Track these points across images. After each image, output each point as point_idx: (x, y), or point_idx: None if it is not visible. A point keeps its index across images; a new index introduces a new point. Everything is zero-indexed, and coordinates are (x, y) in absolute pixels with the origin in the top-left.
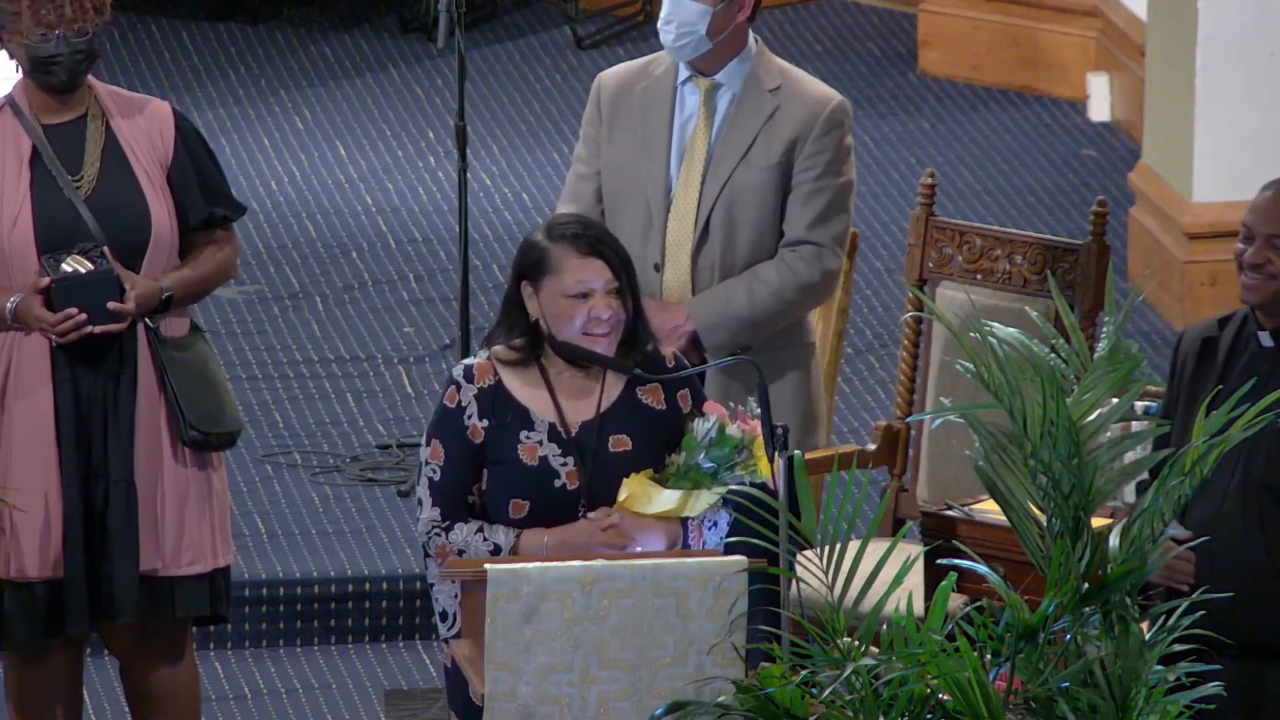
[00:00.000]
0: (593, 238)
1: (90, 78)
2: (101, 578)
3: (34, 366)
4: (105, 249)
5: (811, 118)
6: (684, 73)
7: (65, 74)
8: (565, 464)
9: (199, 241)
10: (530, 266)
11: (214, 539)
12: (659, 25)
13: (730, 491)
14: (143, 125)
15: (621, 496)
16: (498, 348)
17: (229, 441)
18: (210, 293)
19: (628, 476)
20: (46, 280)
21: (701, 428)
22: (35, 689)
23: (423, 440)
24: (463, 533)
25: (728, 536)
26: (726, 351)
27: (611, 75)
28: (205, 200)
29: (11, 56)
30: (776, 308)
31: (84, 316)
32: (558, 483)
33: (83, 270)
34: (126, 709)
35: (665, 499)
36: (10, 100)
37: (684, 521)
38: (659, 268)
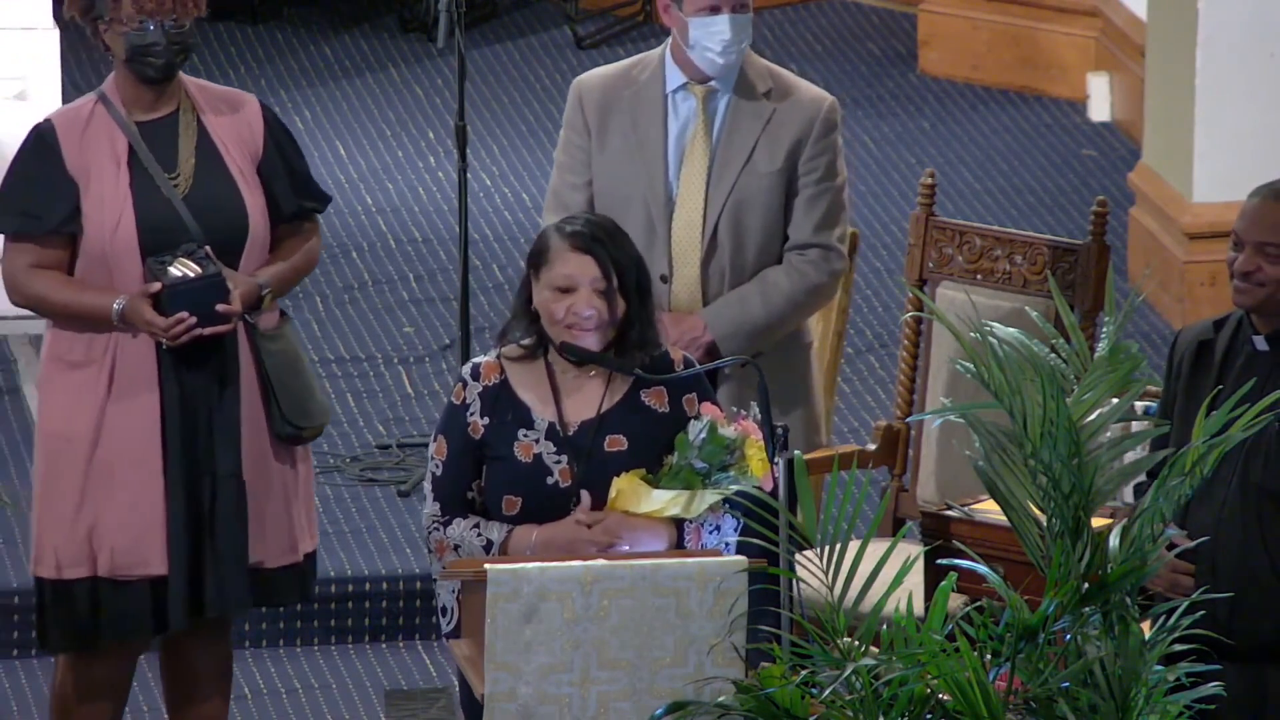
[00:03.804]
0: (589, 235)
1: (181, 73)
2: (209, 573)
3: (139, 369)
4: (208, 249)
5: (809, 121)
6: (675, 80)
7: (162, 64)
8: (559, 462)
9: (287, 234)
10: (534, 256)
11: (304, 527)
12: (715, 55)
13: (736, 494)
14: (232, 119)
15: (611, 495)
16: (507, 346)
17: (318, 434)
18: (299, 283)
19: (618, 476)
20: (157, 285)
21: (694, 428)
22: (90, 691)
23: (430, 437)
24: (459, 528)
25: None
26: (744, 361)
27: (593, 81)
28: (295, 193)
29: (108, 48)
30: (789, 312)
31: (194, 320)
32: (550, 480)
33: (190, 274)
34: (157, 689)
35: (655, 499)
36: (102, 95)
37: (681, 524)
38: (666, 278)
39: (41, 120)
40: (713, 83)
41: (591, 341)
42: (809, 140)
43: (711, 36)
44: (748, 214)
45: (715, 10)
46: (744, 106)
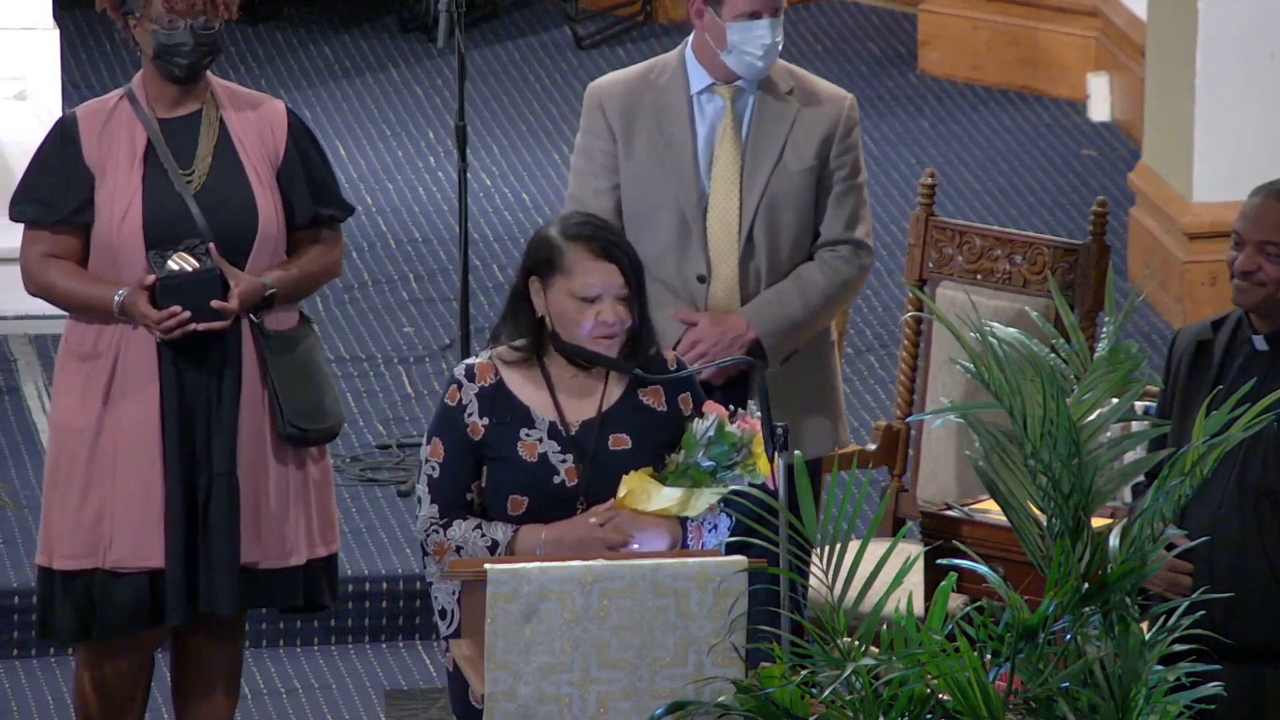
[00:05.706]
0: (607, 241)
1: (209, 73)
2: (201, 569)
3: (141, 362)
4: (210, 246)
5: (834, 119)
6: (700, 81)
7: (188, 64)
8: (565, 461)
9: (305, 240)
10: (541, 263)
11: (311, 530)
12: (755, 59)
13: (730, 494)
14: (255, 122)
15: (620, 493)
16: (500, 348)
17: (327, 436)
18: (314, 291)
19: (627, 474)
20: (152, 278)
21: (700, 426)
22: (108, 690)
23: (424, 439)
24: (461, 529)
25: (729, 538)
26: (784, 357)
27: (612, 87)
28: (313, 200)
29: (136, 44)
30: (825, 307)
31: (187, 314)
32: (556, 479)
33: (188, 268)
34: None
35: (664, 496)
36: (129, 91)
37: (683, 522)
38: (704, 279)
39: (67, 112)
40: (739, 82)
41: (613, 349)
42: (835, 138)
43: (752, 41)
44: (781, 212)
45: (755, 15)
46: (770, 105)
